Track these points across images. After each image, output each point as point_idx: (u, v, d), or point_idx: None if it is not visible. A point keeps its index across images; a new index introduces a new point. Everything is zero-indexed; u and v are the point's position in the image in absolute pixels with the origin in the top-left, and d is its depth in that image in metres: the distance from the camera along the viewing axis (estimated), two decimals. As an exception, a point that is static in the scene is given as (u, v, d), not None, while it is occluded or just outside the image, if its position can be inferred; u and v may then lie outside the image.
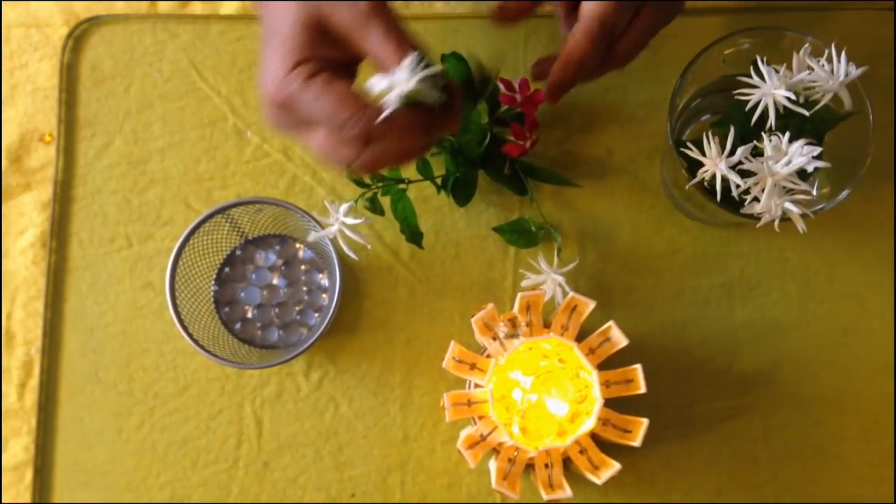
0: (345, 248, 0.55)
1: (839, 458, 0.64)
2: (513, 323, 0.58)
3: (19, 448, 0.64)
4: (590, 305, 0.58)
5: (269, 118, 0.48)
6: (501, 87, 0.63)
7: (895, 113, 0.66)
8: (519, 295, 0.58)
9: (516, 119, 0.64)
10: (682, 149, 0.55)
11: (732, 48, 0.59)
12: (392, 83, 0.44)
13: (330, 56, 0.47)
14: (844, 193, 0.55)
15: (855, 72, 0.54)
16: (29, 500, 0.63)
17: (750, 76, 0.54)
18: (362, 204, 0.60)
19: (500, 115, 0.65)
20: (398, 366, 0.65)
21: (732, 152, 0.53)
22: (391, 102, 0.44)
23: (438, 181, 0.64)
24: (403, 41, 0.46)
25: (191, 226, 0.60)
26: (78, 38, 0.69)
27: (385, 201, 0.62)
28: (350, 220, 0.55)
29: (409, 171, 0.63)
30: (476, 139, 0.63)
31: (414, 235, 0.62)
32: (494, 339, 0.58)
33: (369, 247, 0.59)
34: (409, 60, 0.44)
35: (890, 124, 0.66)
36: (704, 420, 0.64)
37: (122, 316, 0.66)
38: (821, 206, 0.54)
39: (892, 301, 0.65)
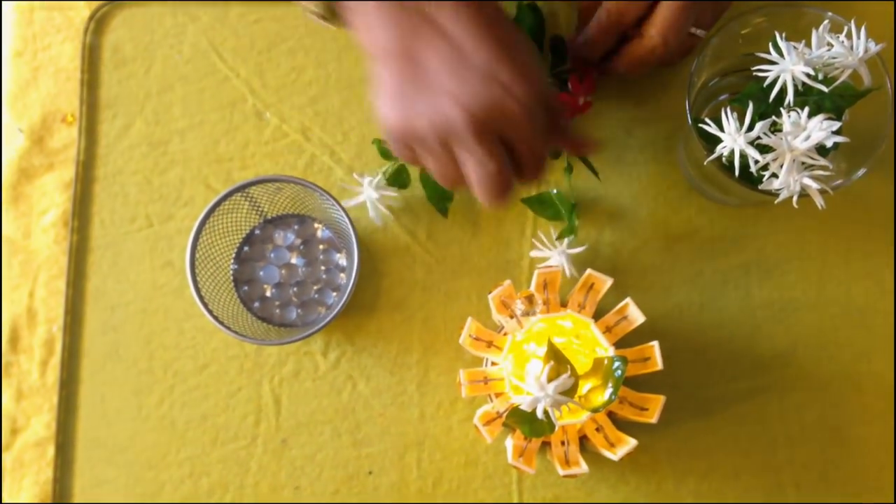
0: (373, 216, 0.62)
1: (857, 440, 0.64)
2: (530, 300, 0.58)
3: (41, 425, 0.65)
4: (607, 283, 0.58)
5: (395, 141, 0.49)
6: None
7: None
8: (536, 272, 0.58)
9: (577, 76, 0.64)
10: (700, 125, 0.55)
11: (749, 28, 0.59)
12: None
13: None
14: (863, 169, 0.55)
15: (874, 48, 0.53)
16: (51, 476, 0.64)
17: (768, 54, 0.54)
18: (386, 177, 0.64)
19: (559, 72, 0.65)
20: (415, 345, 0.65)
21: (751, 128, 0.52)
22: None
23: None
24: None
25: (210, 203, 0.60)
26: (100, 20, 0.69)
27: (413, 171, 0.65)
28: (378, 193, 0.62)
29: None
30: None
31: (441, 200, 0.63)
32: (511, 316, 0.59)
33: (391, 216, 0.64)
34: None
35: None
36: (721, 401, 0.64)
37: (142, 295, 0.66)
38: (839, 181, 0.54)
39: (911, 282, 0.65)
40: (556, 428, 0.53)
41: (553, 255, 0.63)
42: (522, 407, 0.51)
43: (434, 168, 0.50)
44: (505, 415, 0.57)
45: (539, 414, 0.51)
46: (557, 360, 0.52)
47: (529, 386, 0.51)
